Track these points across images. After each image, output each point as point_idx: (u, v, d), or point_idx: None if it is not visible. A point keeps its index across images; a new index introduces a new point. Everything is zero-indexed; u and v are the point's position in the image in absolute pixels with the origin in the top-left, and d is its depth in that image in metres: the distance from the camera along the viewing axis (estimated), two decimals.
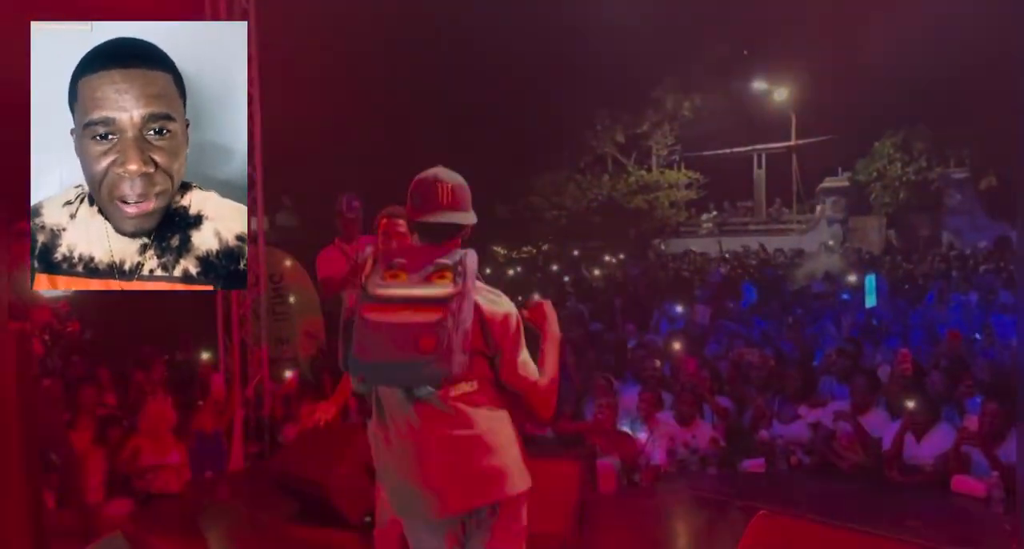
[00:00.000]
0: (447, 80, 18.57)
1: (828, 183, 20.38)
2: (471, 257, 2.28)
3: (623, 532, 4.14)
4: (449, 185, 2.37)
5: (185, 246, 2.02)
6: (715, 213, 22.74)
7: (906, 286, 11.00)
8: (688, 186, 21.68)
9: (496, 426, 2.32)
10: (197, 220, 2.00)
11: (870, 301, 7.88)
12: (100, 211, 1.97)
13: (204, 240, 2.05)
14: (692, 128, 21.94)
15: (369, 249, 5.68)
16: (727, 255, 18.80)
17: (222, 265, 2.01)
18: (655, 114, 21.64)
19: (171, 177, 1.94)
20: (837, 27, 18.65)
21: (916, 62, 17.87)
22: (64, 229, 2.05)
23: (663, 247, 22.04)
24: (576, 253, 21.15)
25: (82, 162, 1.99)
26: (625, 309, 9.23)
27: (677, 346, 6.73)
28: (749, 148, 22.44)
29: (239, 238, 1.98)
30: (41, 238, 2.07)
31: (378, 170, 11.12)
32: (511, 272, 18.44)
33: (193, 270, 2.04)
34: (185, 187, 1.99)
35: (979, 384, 5.58)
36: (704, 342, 7.57)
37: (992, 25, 16.86)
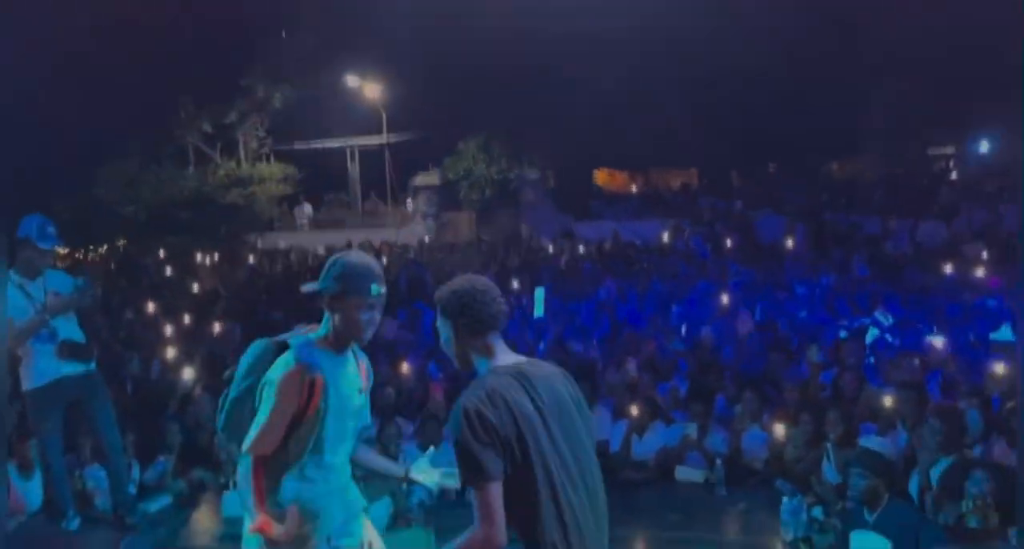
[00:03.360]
0: None
1: (420, 180, 21.43)
2: None
3: None
4: None
5: None
6: (308, 207, 22.38)
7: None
8: (283, 180, 20.97)
9: None
10: None
11: (538, 311, 8.51)
12: None
13: None
14: (283, 120, 21.24)
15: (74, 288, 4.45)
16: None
17: None
18: (245, 104, 20.44)
19: None
20: (420, 27, 19.63)
21: (492, 66, 19.79)
22: None
23: (259, 243, 21.06)
24: (162, 253, 19.12)
25: None
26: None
27: (405, 369, 6.54)
28: (342, 143, 22.51)
29: None
30: None
31: None
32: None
33: None
34: None
35: (682, 381, 6.44)
36: (406, 357, 7.44)
37: (565, 33, 19.40)
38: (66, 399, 4.56)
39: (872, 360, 7.15)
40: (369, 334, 2.69)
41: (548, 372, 2.49)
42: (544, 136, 20.30)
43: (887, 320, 8.37)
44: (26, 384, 4.51)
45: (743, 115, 20.75)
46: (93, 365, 4.64)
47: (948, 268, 11.06)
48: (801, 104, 20.36)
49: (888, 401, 5.35)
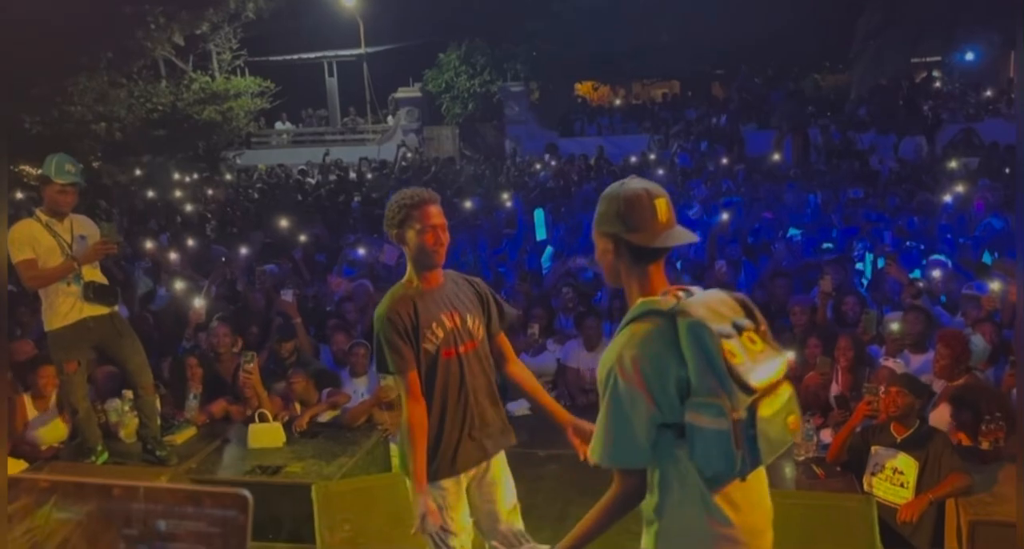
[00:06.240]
0: None
1: (401, 93, 20.95)
2: None
3: None
4: (666, 198, 2.09)
5: None
6: (288, 123, 21.87)
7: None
8: (259, 95, 20.34)
9: None
10: None
11: (540, 234, 8.50)
12: None
13: None
14: (257, 31, 20.45)
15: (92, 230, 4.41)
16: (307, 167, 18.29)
17: None
18: (216, 14, 19.58)
19: None
20: None
21: None
22: None
23: (237, 160, 20.67)
24: (138, 172, 18.76)
25: None
26: (307, 255, 8.55)
27: None
28: (319, 55, 21.80)
29: None
30: None
31: None
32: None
33: None
34: None
35: None
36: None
37: None
38: (90, 340, 4.56)
39: (867, 283, 7.32)
40: None
41: None
42: (526, 47, 19.84)
43: (883, 241, 8.50)
44: (49, 325, 4.48)
45: (722, 24, 20.34)
46: (116, 307, 4.62)
47: (936, 186, 11.19)
48: (782, 12, 19.94)
49: (894, 325, 5.50)
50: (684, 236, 2.08)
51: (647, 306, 2.02)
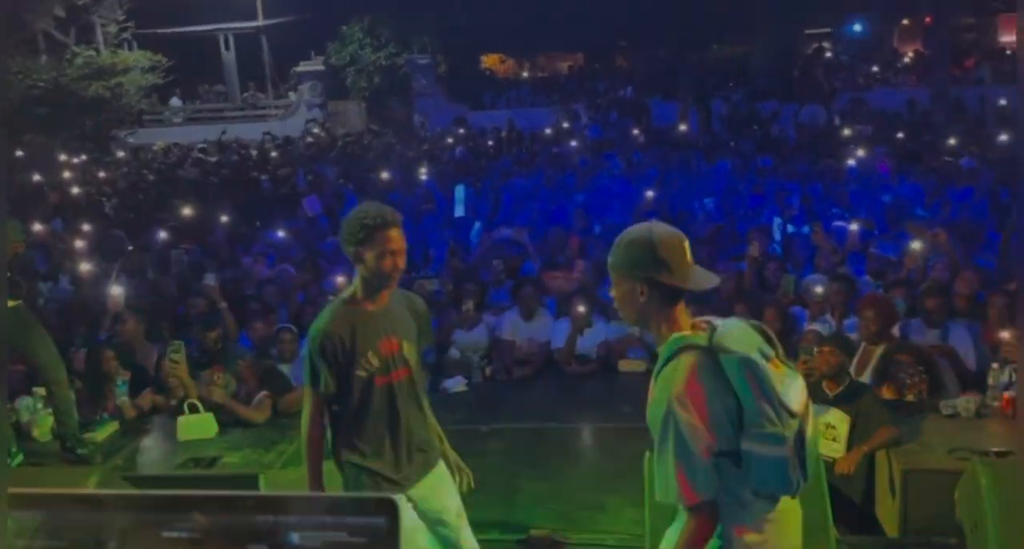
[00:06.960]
0: None
1: (303, 67, 20.25)
2: None
3: None
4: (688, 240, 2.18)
5: None
6: (181, 100, 20.84)
7: None
8: (150, 70, 19.26)
9: None
10: None
11: (459, 211, 8.41)
12: None
13: None
14: (145, 2, 19.33)
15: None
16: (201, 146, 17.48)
17: None
18: None
19: None
20: None
21: None
22: None
23: (129, 140, 19.59)
24: (20, 153, 17.55)
25: None
26: (225, 236, 8.16)
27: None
28: (214, 27, 20.78)
29: None
30: None
31: None
32: None
33: None
34: None
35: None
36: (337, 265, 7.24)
37: None
38: None
39: (781, 248, 7.56)
40: None
41: None
42: (431, 19, 19.48)
43: (792, 206, 8.80)
44: None
45: None
46: (20, 301, 4.28)
47: (837, 153, 11.63)
48: None
49: (818, 288, 5.70)
50: (711, 278, 2.17)
51: (683, 341, 2.09)
